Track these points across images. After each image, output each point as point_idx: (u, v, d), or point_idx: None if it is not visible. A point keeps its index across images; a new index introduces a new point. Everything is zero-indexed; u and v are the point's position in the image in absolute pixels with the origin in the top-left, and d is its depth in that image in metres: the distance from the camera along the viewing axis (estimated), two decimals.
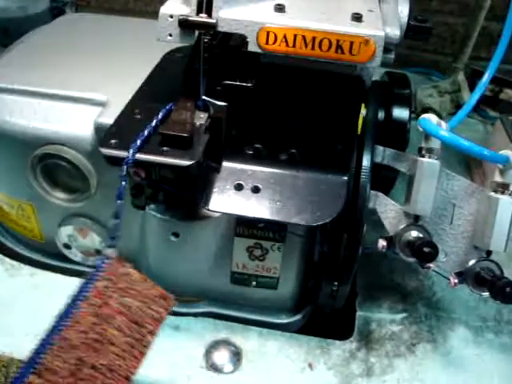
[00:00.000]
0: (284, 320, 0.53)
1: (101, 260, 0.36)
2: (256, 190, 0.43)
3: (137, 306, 0.33)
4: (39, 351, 0.30)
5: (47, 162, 0.48)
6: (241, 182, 0.43)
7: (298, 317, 0.54)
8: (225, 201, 0.42)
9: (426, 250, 0.43)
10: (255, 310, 0.53)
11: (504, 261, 0.61)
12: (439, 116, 0.80)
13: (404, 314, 0.54)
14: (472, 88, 0.79)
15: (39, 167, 0.49)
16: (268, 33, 0.39)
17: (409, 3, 0.49)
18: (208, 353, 0.49)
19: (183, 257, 0.49)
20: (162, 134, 0.38)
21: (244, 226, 0.48)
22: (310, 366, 0.49)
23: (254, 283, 0.51)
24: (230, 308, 0.53)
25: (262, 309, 0.53)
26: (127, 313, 0.32)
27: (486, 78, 0.50)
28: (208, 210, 0.42)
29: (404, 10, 0.49)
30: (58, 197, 0.50)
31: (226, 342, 0.50)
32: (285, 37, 0.39)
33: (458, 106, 0.81)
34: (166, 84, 0.48)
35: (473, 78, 0.80)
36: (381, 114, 0.50)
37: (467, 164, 0.75)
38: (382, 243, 0.46)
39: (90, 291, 0.33)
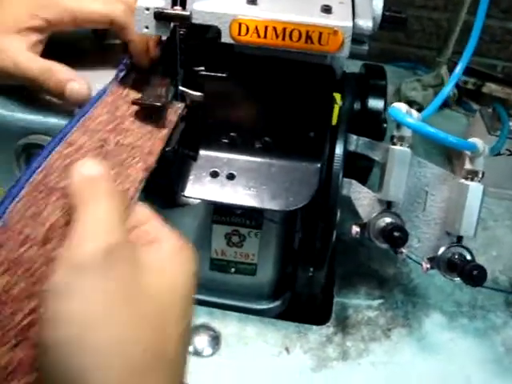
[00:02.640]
0: (263, 306, 0.55)
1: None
2: (231, 177, 0.44)
3: None
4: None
5: (31, 152, 0.50)
6: (216, 170, 0.45)
7: (277, 303, 0.55)
8: (200, 187, 0.44)
9: (396, 234, 0.45)
10: (235, 296, 0.54)
11: (479, 248, 0.63)
12: (422, 109, 0.82)
13: (381, 300, 0.56)
14: None
15: (23, 157, 0.50)
16: (240, 24, 0.41)
17: None
18: None
19: None
20: (134, 102, 0.39)
21: (221, 213, 0.49)
22: (287, 350, 0.50)
23: (233, 269, 0.52)
24: (210, 294, 0.54)
25: (241, 295, 0.54)
26: None
27: (458, 70, 0.51)
28: (184, 196, 0.44)
29: (378, 3, 0.50)
30: None
31: (205, 327, 0.51)
32: (256, 28, 0.41)
33: None
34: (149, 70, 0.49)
35: None
36: (357, 105, 0.52)
37: (449, 157, 0.77)
38: (355, 229, 0.48)
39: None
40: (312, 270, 0.50)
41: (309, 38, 0.41)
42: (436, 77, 0.82)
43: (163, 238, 0.28)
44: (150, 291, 0.25)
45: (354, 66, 0.58)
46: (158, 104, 0.39)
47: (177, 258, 0.27)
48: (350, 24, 0.41)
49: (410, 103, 0.82)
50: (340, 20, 0.41)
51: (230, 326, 0.52)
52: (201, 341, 0.50)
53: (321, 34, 0.40)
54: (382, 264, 0.59)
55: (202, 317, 0.52)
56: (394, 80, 0.88)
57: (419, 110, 0.80)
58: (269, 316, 0.54)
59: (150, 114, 0.40)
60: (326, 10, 0.42)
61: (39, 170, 0.31)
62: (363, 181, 0.53)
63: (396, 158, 0.46)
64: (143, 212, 0.30)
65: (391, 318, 0.54)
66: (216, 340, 0.50)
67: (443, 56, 0.82)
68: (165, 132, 0.39)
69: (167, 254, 0.27)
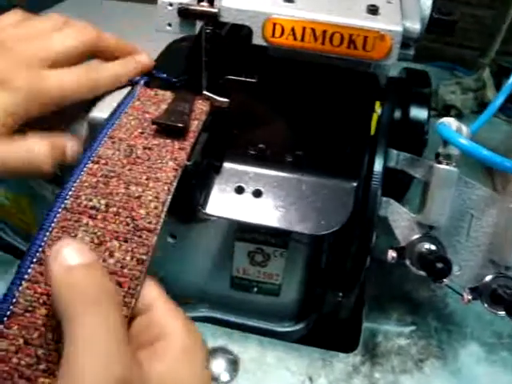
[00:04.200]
0: (286, 328, 0.51)
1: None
2: (258, 193, 0.40)
3: None
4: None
5: None
6: (242, 185, 0.41)
7: (300, 325, 0.51)
8: (224, 205, 0.40)
9: (439, 265, 0.40)
10: (256, 316, 0.50)
11: None
12: (460, 114, 0.76)
13: (413, 327, 0.51)
14: (498, 86, 0.74)
15: None
16: (274, 25, 0.36)
17: None
18: None
19: (181, 258, 0.47)
20: (155, 122, 0.36)
21: (245, 230, 0.45)
22: (311, 379, 0.46)
23: (255, 289, 0.48)
24: (230, 313, 0.50)
25: (263, 315, 0.50)
26: None
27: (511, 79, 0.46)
28: (205, 213, 0.40)
29: (427, 2, 0.45)
30: (53, 190, 0.48)
31: (223, 350, 0.47)
32: (293, 29, 0.36)
33: (481, 104, 0.76)
34: (168, 75, 0.45)
35: (499, 75, 0.75)
36: (397, 114, 0.47)
37: (487, 168, 0.71)
38: (391, 254, 0.43)
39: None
40: (341, 294, 0.46)
41: (352, 42, 0.36)
42: (477, 80, 0.76)
43: (171, 333, 0.26)
44: None
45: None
46: (180, 125, 0.36)
47: (185, 360, 0.25)
48: (400, 28, 0.36)
49: (448, 108, 0.76)
50: (388, 23, 0.36)
51: (249, 350, 0.48)
52: (218, 365, 0.46)
53: (366, 38, 0.36)
54: (416, 285, 0.55)
55: (220, 338, 0.48)
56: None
57: (458, 115, 0.75)
58: (291, 339, 0.50)
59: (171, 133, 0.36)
60: (373, 10, 0.37)
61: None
62: (399, 197, 0.48)
63: (441, 179, 0.41)
64: (150, 295, 0.28)
65: (424, 348, 0.50)
66: (234, 365, 0.47)
67: (486, 57, 0.77)
68: (196, 123, 0.38)
69: (174, 357, 0.25)
